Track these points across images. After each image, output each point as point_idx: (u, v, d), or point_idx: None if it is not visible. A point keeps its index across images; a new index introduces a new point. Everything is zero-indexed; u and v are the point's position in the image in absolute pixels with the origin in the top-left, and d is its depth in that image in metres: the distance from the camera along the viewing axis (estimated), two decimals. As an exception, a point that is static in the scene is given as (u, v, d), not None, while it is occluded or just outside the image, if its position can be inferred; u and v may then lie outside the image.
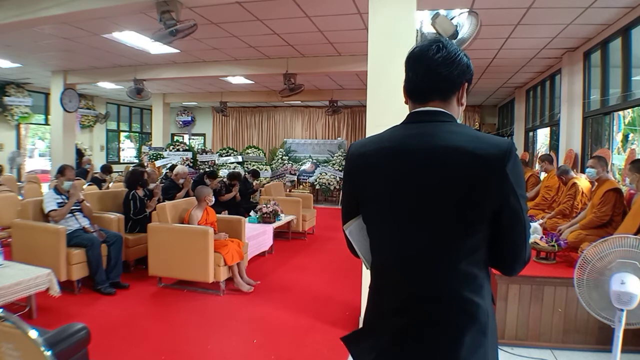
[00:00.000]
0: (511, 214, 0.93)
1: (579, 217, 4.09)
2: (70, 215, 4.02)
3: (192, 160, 10.55)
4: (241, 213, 5.69)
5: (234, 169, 10.20)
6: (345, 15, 4.67)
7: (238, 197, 6.50)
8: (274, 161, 11.45)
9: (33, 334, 1.38)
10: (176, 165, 7.21)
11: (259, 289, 4.12)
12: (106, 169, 7.62)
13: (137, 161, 10.65)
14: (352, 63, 6.50)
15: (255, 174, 7.51)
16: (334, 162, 11.03)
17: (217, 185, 6.24)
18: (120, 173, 9.67)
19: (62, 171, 4.22)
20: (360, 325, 1.12)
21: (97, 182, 7.18)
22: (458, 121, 1.02)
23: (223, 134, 14.19)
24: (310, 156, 11.58)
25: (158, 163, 10.14)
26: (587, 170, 3.91)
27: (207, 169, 9.14)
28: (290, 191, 9.02)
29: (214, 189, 5.68)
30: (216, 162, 10.61)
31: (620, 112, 5.19)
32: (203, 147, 13.13)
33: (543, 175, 6.06)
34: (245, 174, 7.39)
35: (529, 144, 8.82)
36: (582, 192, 4.45)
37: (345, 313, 3.56)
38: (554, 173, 5.32)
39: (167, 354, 2.79)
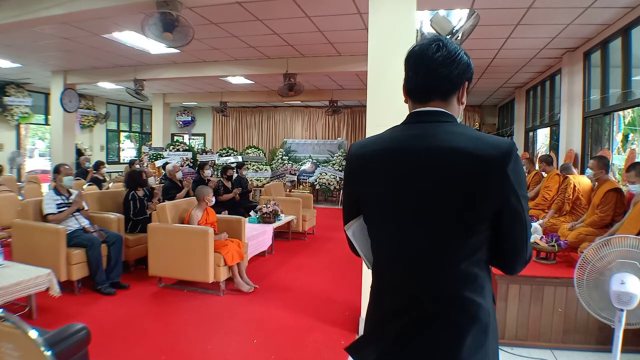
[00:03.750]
0: (512, 214, 0.93)
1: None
2: (70, 215, 4.02)
3: (192, 160, 10.55)
4: (241, 213, 5.69)
5: (232, 169, 10.21)
6: (345, 15, 4.66)
7: (237, 197, 6.50)
8: (274, 161, 11.45)
9: (33, 334, 1.38)
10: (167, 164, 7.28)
11: (259, 289, 4.12)
12: (97, 165, 7.64)
13: (134, 158, 10.62)
14: (352, 63, 6.50)
15: (240, 165, 7.52)
16: (334, 162, 11.03)
17: (215, 184, 6.27)
18: (120, 173, 9.67)
19: (57, 170, 4.24)
20: (361, 326, 1.12)
21: (97, 182, 7.17)
22: (458, 120, 1.02)
23: (223, 134, 14.19)
24: (310, 156, 11.58)
25: (158, 163, 10.13)
26: (586, 170, 3.94)
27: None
28: (290, 191, 9.02)
29: (210, 187, 5.70)
30: (216, 162, 10.60)
31: (620, 112, 5.19)
32: (203, 147, 13.13)
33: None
34: (236, 170, 7.35)
35: (529, 144, 8.82)
36: (574, 187, 4.46)
37: (345, 313, 3.56)
38: (554, 173, 5.33)
39: (167, 354, 2.79)
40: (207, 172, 6.56)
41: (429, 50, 0.99)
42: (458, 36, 3.18)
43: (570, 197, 4.45)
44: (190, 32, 3.74)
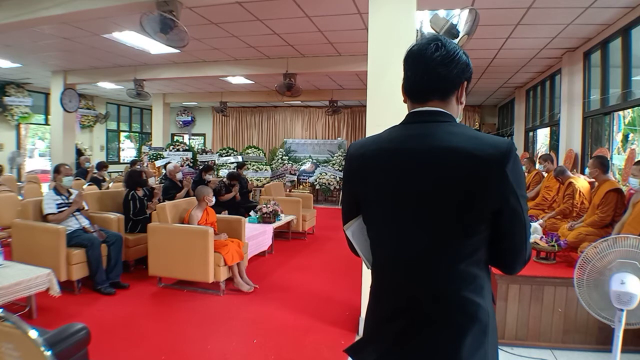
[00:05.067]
0: (511, 214, 0.93)
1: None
2: (70, 215, 4.02)
3: (192, 160, 10.55)
4: (241, 213, 5.69)
5: (233, 169, 10.22)
6: (345, 15, 4.66)
7: (238, 197, 6.50)
8: (274, 161, 11.45)
9: (33, 334, 1.38)
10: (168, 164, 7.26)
11: (259, 289, 4.12)
12: (101, 166, 7.64)
13: (135, 158, 10.63)
14: (352, 63, 6.50)
15: (240, 166, 7.60)
16: (334, 162, 11.04)
17: (216, 182, 6.26)
18: (120, 173, 9.67)
19: (57, 170, 4.24)
20: (361, 326, 1.12)
21: (97, 182, 7.17)
22: (457, 120, 1.02)
23: (223, 134, 14.19)
24: (310, 156, 11.59)
25: (158, 163, 10.14)
26: (587, 170, 3.94)
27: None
28: (290, 191, 9.02)
29: (213, 188, 5.68)
30: (216, 162, 10.61)
31: (620, 112, 5.19)
32: (203, 147, 13.13)
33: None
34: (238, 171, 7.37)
35: (529, 144, 8.82)
36: (580, 192, 4.46)
37: (345, 313, 3.56)
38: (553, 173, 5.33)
39: (167, 354, 2.79)
40: (209, 176, 6.46)
41: (428, 50, 0.99)
42: (458, 36, 3.18)
43: (578, 204, 4.45)
44: (185, 38, 3.77)
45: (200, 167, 10.21)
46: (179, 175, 6.23)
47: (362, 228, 1.11)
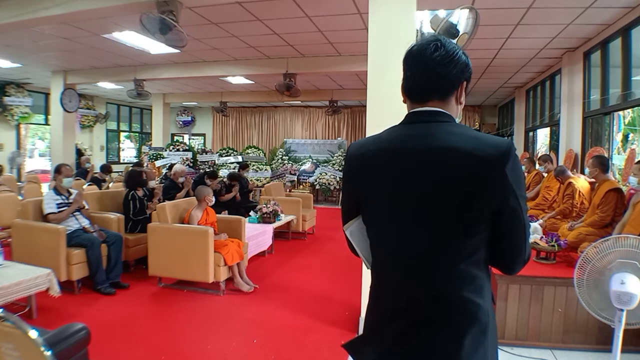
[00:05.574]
0: (511, 214, 0.93)
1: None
2: (70, 215, 4.02)
3: (192, 160, 10.55)
4: (241, 213, 5.69)
5: (233, 169, 10.22)
6: (345, 15, 4.67)
7: (238, 197, 6.50)
8: (274, 161, 11.45)
9: (33, 334, 1.38)
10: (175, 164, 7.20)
11: (259, 289, 4.12)
12: (106, 169, 7.62)
13: (136, 160, 10.63)
14: (352, 63, 6.50)
15: (243, 167, 7.61)
16: (334, 162, 11.04)
17: (218, 186, 6.24)
18: (120, 173, 9.67)
19: (58, 170, 4.25)
20: (361, 326, 1.12)
21: (97, 182, 7.17)
22: (457, 120, 1.02)
23: (223, 134, 14.19)
24: (310, 156, 11.59)
25: (158, 163, 10.14)
26: (587, 170, 3.94)
27: (207, 169, 9.15)
28: (290, 191, 9.02)
29: (214, 189, 5.67)
30: (216, 162, 10.61)
31: (620, 112, 5.19)
32: (203, 147, 13.13)
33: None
34: (237, 170, 7.34)
35: (529, 144, 8.82)
36: (579, 192, 4.46)
37: (345, 313, 3.56)
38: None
39: (167, 354, 2.79)
40: (208, 181, 6.38)
41: (427, 50, 0.99)
42: (457, 35, 3.18)
43: (578, 204, 4.45)
44: (184, 39, 3.78)
45: (201, 167, 10.24)
46: (182, 179, 6.19)
47: (361, 228, 1.11)
